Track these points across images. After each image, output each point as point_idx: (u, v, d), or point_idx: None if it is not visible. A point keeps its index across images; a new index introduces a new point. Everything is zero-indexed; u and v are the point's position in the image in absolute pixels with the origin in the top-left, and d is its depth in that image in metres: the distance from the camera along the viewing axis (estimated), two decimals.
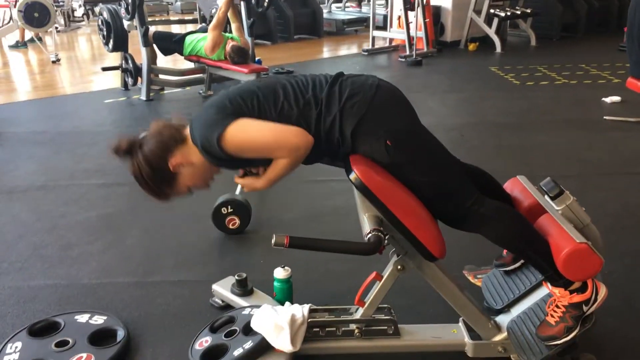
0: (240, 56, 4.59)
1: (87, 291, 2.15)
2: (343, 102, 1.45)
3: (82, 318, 1.93)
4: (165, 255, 2.41)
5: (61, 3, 9.19)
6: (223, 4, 4.58)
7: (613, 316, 1.93)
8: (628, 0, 3.22)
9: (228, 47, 4.62)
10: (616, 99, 4.68)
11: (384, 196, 1.42)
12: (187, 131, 1.57)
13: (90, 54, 8.04)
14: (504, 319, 1.76)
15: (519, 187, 1.79)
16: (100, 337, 1.85)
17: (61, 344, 1.79)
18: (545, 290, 1.68)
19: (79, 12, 10.25)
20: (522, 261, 1.83)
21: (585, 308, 1.54)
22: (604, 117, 4.28)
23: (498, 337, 1.71)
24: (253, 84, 1.56)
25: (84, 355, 1.75)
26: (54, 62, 6.70)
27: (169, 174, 1.56)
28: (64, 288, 2.17)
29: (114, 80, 5.68)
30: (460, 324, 1.77)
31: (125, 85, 5.27)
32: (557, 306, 1.56)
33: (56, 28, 8.06)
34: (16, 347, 1.79)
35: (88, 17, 10.08)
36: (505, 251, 1.89)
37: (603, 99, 4.75)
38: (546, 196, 1.64)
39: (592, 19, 8.47)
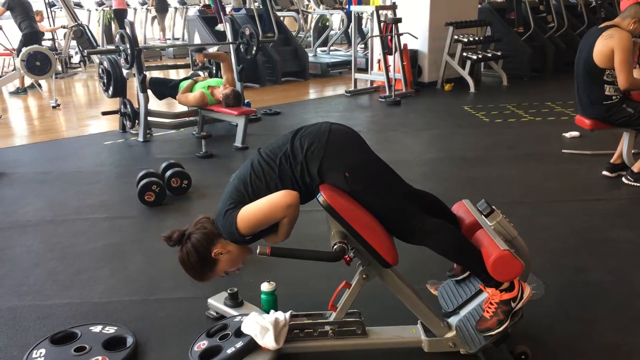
0: (237, 100, 5.03)
1: (98, 308, 2.47)
2: (305, 151, 1.85)
3: (96, 328, 2.25)
4: (165, 277, 2.74)
5: (59, 51, 9.66)
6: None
7: (548, 318, 2.30)
8: None
9: (223, 91, 5.04)
10: (575, 134, 5.12)
11: (345, 214, 1.79)
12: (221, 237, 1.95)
13: (86, 99, 8.46)
14: (453, 320, 2.10)
15: (463, 208, 2.16)
16: (112, 344, 2.15)
17: (79, 349, 2.10)
18: (485, 294, 2.03)
19: (76, 59, 10.73)
20: (469, 272, 2.18)
21: (513, 304, 1.89)
22: (563, 151, 4.71)
23: (449, 335, 2.04)
24: (239, 174, 1.96)
25: (100, 358, 2.06)
26: (54, 107, 7.09)
27: (211, 260, 1.96)
28: (78, 306, 2.48)
29: (110, 123, 6.08)
30: (419, 325, 2.11)
31: (123, 127, 5.65)
32: (490, 303, 1.91)
33: (55, 74, 8.49)
34: (40, 353, 2.10)
35: (85, 64, 10.55)
36: (455, 264, 2.25)
37: (563, 134, 5.20)
38: (482, 215, 2.01)
39: (560, 60, 9.05)
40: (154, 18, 14.81)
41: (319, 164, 1.83)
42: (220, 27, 8.16)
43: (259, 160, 1.93)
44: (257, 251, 1.71)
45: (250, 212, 1.84)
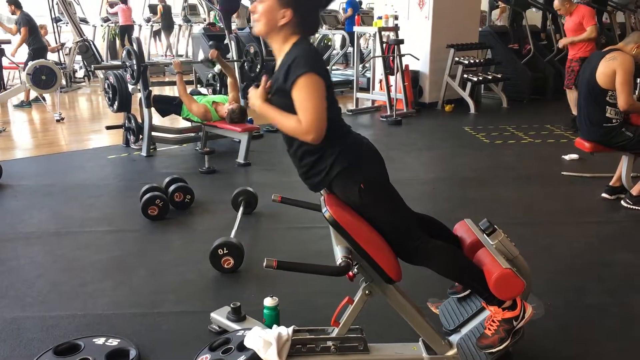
0: (242, 116, 5.09)
1: (101, 320, 2.48)
2: (344, 147, 1.88)
3: (99, 340, 2.26)
4: (169, 291, 2.76)
5: (64, 65, 9.75)
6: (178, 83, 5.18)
7: (549, 339, 2.31)
8: None
9: (229, 106, 5.09)
10: (574, 156, 5.17)
11: (351, 230, 1.82)
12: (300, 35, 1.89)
13: (90, 113, 8.53)
14: (455, 338, 2.11)
15: (465, 227, 2.20)
16: (115, 356, 2.17)
17: None
18: (487, 312, 2.06)
19: (80, 74, 10.82)
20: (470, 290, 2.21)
21: (515, 323, 1.91)
22: (562, 173, 4.76)
23: (450, 353, 2.06)
24: None
25: None
26: (58, 120, 7.14)
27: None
28: (81, 317, 2.50)
29: (113, 138, 6.13)
30: (420, 342, 2.12)
31: (126, 142, 5.70)
32: (492, 321, 1.93)
33: (59, 89, 8.56)
34: None
35: (89, 79, 10.64)
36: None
37: (563, 156, 5.25)
38: (484, 234, 2.05)
39: (559, 82, 9.13)
40: (156, 34, 14.94)
41: (346, 165, 1.87)
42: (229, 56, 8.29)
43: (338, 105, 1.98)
44: (264, 264, 1.74)
45: (316, 88, 1.79)
